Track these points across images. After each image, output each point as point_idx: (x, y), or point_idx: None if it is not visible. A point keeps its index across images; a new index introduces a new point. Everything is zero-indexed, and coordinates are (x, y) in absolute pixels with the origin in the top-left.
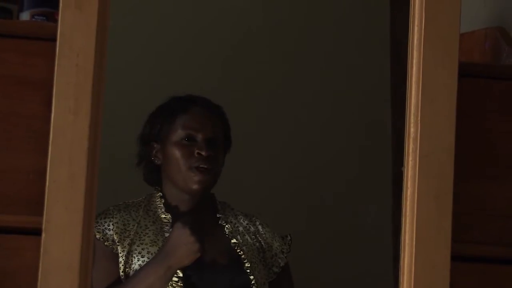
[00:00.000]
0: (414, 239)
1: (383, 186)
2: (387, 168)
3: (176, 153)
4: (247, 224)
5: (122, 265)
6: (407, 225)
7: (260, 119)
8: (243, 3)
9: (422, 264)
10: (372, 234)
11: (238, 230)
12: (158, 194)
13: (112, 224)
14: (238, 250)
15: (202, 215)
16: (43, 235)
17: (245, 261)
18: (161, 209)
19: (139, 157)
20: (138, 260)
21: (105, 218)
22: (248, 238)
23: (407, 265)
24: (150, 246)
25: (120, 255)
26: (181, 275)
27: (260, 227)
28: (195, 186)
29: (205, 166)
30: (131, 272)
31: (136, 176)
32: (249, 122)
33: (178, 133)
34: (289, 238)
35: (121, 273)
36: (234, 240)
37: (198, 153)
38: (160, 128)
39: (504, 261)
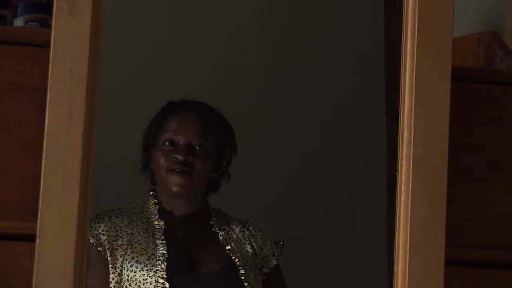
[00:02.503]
0: (408, 244)
1: (378, 191)
2: (381, 173)
3: (159, 157)
4: (240, 229)
5: (113, 274)
6: (401, 230)
7: (259, 125)
8: (245, 11)
9: (416, 269)
10: (367, 239)
11: (232, 237)
12: (153, 201)
13: (106, 230)
14: (233, 257)
15: (195, 221)
16: (37, 241)
17: (240, 268)
18: (154, 215)
19: (141, 164)
20: (127, 270)
21: (99, 222)
22: (242, 245)
23: (401, 270)
24: (139, 255)
25: (110, 264)
26: (167, 285)
27: (253, 231)
28: (175, 188)
29: (180, 170)
30: (122, 282)
31: (130, 181)
32: (249, 128)
33: (162, 137)
34: (281, 243)
35: (114, 284)
36: (228, 247)
37: (175, 157)
38: (153, 134)
39: (498, 266)
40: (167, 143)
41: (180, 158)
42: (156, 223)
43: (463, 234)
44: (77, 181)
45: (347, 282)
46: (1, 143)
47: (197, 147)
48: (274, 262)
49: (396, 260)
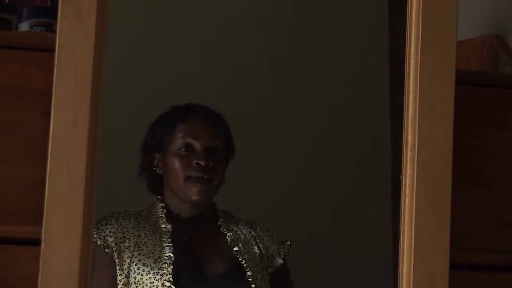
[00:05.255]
0: (413, 247)
1: (382, 194)
2: (386, 177)
3: (175, 163)
4: (248, 230)
5: (121, 276)
6: (406, 233)
7: (260, 128)
8: (247, 12)
9: (421, 272)
10: (371, 241)
11: (240, 238)
12: (160, 205)
13: (113, 232)
14: (240, 259)
15: (203, 223)
16: (43, 245)
17: (247, 270)
18: (162, 219)
19: (141, 167)
20: (134, 272)
21: (106, 224)
22: (250, 246)
23: (406, 273)
24: (146, 257)
25: (117, 265)
26: None
27: (260, 232)
28: (194, 197)
29: (204, 177)
30: (129, 284)
31: (135, 186)
32: (252, 130)
33: (177, 143)
34: (288, 243)
35: (121, 286)
36: (236, 248)
37: (197, 163)
38: (160, 138)
39: (503, 269)
40: (183, 149)
41: (202, 163)
42: (163, 226)
43: (468, 237)
44: (82, 185)
45: (352, 285)
46: (6, 147)
47: (214, 150)
48: (280, 261)
49: (401, 264)
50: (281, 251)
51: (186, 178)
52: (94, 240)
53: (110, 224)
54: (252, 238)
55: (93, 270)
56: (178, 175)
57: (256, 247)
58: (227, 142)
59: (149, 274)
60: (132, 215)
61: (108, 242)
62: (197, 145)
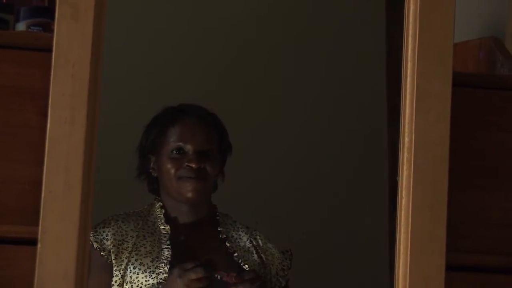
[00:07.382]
0: (409, 248)
1: (379, 196)
2: (382, 178)
3: (168, 166)
4: (247, 238)
5: (116, 276)
6: (402, 234)
7: (257, 128)
8: (243, 12)
9: (417, 273)
10: (368, 243)
11: (239, 245)
12: (158, 204)
13: (111, 235)
14: (242, 264)
15: (202, 228)
16: (39, 245)
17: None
18: (161, 220)
19: (138, 170)
20: (130, 272)
21: (103, 227)
22: (250, 253)
23: (402, 275)
24: (144, 257)
25: (114, 267)
26: None
27: (260, 241)
28: (189, 195)
29: (196, 176)
30: (125, 283)
31: (132, 186)
32: (246, 131)
33: (169, 146)
34: (289, 253)
35: (116, 286)
36: (236, 254)
37: (188, 165)
38: (153, 141)
39: (499, 270)
40: (175, 152)
41: (194, 166)
42: (162, 227)
43: (463, 238)
44: (79, 185)
45: (348, 286)
46: (3, 147)
47: (206, 153)
48: (285, 278)
49: (397, 265)
50: (284, 265)
51: (179, 178)
52: (91, 243)
53: (108, 227)
54: (253, 247)
55: (88, 274)
56: (170, 176)
57: (256, 255)
58: (221, 141)
59: (145, 272)
60: (131, 216)
61: (105, 246)
62: (188, 148)
